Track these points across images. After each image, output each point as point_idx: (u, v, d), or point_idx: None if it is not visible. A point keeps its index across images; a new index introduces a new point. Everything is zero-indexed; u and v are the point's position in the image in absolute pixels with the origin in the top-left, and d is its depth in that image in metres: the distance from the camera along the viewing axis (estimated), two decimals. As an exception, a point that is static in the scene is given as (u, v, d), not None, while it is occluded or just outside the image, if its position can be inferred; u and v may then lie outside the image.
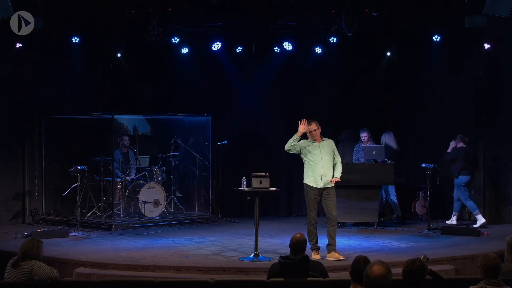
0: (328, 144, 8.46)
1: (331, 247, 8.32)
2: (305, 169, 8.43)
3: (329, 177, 8.33)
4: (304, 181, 8.42)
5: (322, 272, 5.74)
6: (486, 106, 11.75)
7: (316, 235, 8.35)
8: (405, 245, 9.29)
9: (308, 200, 8.36)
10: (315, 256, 8.15)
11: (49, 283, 5.64)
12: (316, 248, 8.33)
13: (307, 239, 6.21)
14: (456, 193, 11.22)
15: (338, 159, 8.52)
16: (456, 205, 11.31)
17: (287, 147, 8.42)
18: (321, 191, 8.33)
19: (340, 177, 8.41)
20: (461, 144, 11.16)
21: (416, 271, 4.55)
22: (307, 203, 8.40)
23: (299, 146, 8.37)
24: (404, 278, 4.60)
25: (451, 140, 11.21)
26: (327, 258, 8.18)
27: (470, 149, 11.21)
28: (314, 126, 8.33)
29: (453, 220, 11.28)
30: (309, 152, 8.34)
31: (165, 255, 8.53)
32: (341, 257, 8.16)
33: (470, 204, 11.16)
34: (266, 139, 12.90)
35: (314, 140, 8.37)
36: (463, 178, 11.07)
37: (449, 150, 11.21)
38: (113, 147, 11.36)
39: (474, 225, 10.82)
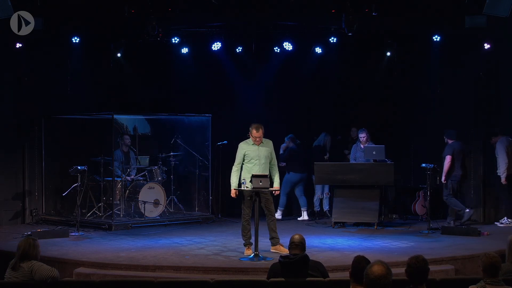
0: (266, 146, 8.68)
1: (275, 240, 8.69)
2: (242, 171, 8.68)
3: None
4: (241, 181, 8.63)
5: (322, 272, 5.75)
6: (486, 106, 11.76)
7: (249, 231, 8.62)
8: (405, 245, 9.28)
9: (245, 198, 8.60)
10: (247, 252, 8.51)
11: (50, 283, 5.64)
12: (249, 244, 8.61)
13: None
14: (297, 190, 12.03)
15: (275, 164, 8.77)
16: (302, 201, 12.06)
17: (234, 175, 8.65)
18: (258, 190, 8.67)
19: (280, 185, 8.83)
20: (292, 145, 11.97)
21: (421, 267, 4.54)
22: (243, 201, 8.65)
23: (241, 157, 8.62)
24: (408, 274, 4.58)
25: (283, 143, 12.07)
26: (272, 251, 8.58)
27: (301, 149, 11.99)
28: (260, 133, 8.54)
29: (304, 216, 12.00)
30: (248, 156, 8.61)
31: (165, 255, 8.52)
32: (286, 251, 8.06)
33: (303, 199, 12.02)
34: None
35: (254, 143, 8.61)
36: (296, 176, 11.92)
37: (281, 152, 11.95)
38: (113, 147, 11.35)
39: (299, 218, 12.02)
